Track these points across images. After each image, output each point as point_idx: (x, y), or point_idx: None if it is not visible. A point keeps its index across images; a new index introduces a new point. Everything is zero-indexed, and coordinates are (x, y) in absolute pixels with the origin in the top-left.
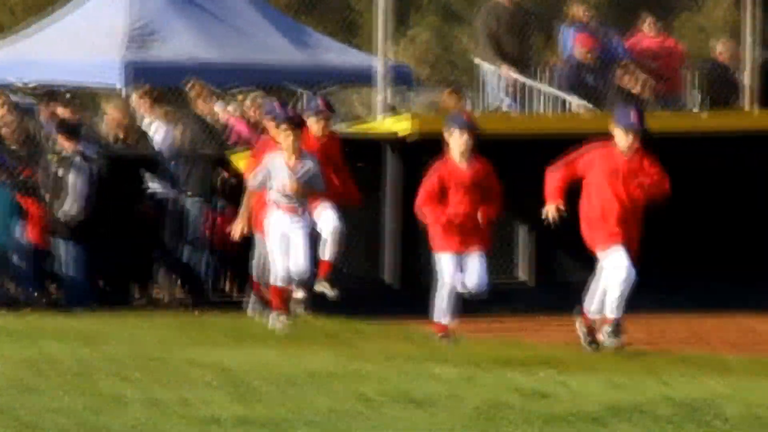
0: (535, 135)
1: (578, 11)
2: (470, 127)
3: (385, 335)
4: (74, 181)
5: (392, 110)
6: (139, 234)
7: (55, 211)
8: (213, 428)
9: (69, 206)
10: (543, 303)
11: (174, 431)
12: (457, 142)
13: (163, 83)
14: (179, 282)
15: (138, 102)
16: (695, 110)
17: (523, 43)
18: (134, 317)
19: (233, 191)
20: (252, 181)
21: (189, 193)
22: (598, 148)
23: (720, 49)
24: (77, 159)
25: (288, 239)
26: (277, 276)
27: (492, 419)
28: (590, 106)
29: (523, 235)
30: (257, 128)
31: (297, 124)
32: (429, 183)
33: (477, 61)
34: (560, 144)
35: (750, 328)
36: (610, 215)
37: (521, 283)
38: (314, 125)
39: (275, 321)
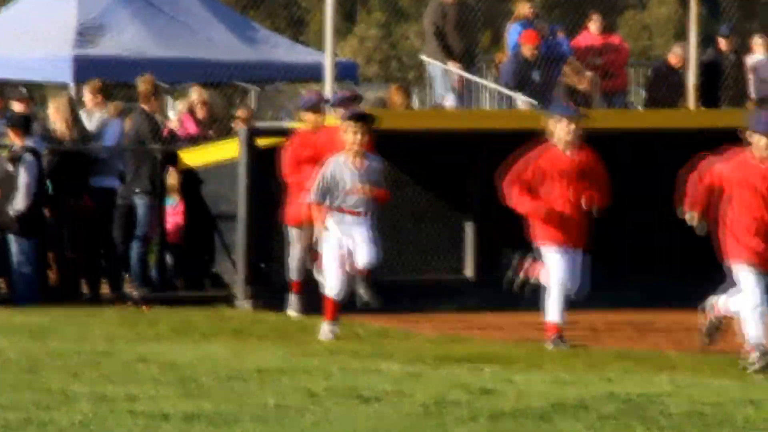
0: (477, 131)
1: (524, 8)
2: (579, 116)
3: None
4: (24, 177)
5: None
6: (88, 230)
7: (6, 207)
8: (160, 424)
9: (19, 203)
10: (489, 300)
11: (121, 427)
12: (564, 130)
13: (111, 79)
14: (127, 278)
15: (89, 98)
16: (640, 108)
17: (469, 41)
18: (82, 313)
19: (182, 187)
20: (313, 195)
21: (137, 189)
22: (734, 156)
23: (676, 51)
24: (27, 155)
25: (345, 250)
26: (332, 288)
27: (438, 416)
28: (534, 103)
29: (469, 232)
30: (204, 125)
31: (362, 119)
32: (523, 169)
33: (424, 58)
34: (504, 141)
35: (694, 326)
36: (755, 230)
37: (467, 280)
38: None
39: (327, 333)
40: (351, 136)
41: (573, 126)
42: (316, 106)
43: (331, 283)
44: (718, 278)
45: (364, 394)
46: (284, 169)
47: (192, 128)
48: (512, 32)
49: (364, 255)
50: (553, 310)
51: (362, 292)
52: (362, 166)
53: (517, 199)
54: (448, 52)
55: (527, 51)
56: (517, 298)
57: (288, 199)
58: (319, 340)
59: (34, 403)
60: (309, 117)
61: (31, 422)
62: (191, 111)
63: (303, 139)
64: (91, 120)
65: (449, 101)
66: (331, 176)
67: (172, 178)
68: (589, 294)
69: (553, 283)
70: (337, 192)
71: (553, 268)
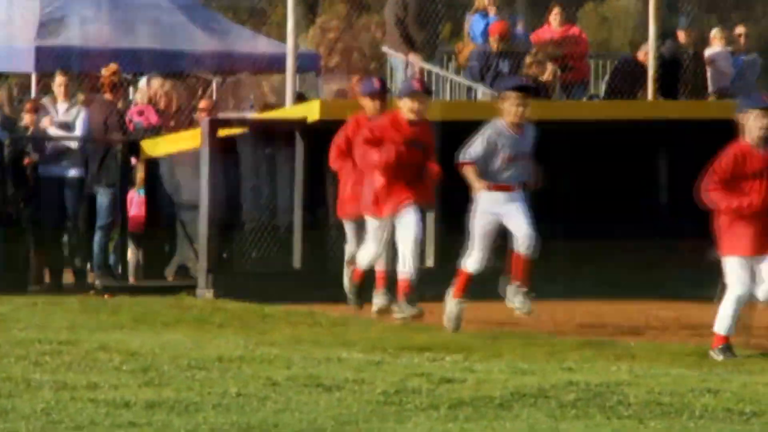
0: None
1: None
2: None
3: (293, 320)
4: None
5: (300, 97)
6: (50, 219)
7: None
8: (122, 412)
9: None
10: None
11: (83, 414)
12: (757, 124)
13: (74, 69)
14: (89, 266)
15: (57, 88)
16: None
17: (429, 32)
18: (43, 301)
19: (144, 178)
20: (469, 155)
21: (101, 180)
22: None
23: (644, 48)
24: None
25: (495, 228)
26: (472, 264)
27: (398, 403)
28: (496, 94)
29: (430, 221)
30: (165, 115)
31: (526, 90)
32: (723, 167)
33: (385, 49)
34: (464, 131)
35: (653, 315)
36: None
37: (427, 268)
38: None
39: (454, 310)
40: (513, 108)
41: (766, 120)
42: (377, 93)
43: (472, 258)
44: None
45: (325, 383)
46: (331, 156)
47: (153, 119)
48: (474, 23)
49: (525, 237)
50: (725, 322)
51: (399, 314)
52: (521, 134)
53: (717, 198)
54: (409, 44)
55: (494, 42)
56: (476, 286)
57: (340, 191)
58: (447, 318)
59: None
60: (368, 103)
61: None
62: (152, 101)
63: (359, 124)
64: (59, 111)
65: None
66: (491, 141)
67: (140, 169)
68: (550, 282)
69: (732, 296)
70: (493, 161)
71: (733, 283)
